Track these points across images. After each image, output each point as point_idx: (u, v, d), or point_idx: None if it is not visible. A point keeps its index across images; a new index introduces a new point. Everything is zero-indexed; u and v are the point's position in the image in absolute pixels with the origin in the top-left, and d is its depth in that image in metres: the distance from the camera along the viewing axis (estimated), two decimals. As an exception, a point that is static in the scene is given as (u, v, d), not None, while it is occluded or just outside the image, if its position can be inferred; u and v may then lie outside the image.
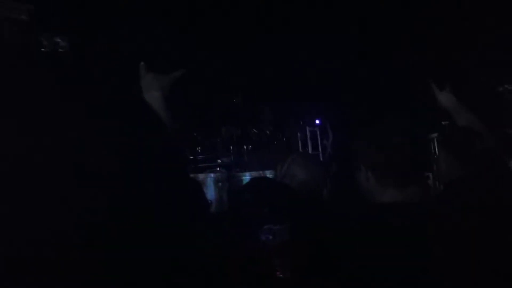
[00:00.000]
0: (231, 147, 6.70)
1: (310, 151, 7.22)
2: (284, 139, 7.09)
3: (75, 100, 1.05)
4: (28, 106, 0.99)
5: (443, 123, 4.92)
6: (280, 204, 1.51)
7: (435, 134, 4.17)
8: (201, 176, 5.62)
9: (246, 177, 5.86)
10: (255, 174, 5.76)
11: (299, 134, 7.42)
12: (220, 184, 5.53)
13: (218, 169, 6.33)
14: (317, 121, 7.59)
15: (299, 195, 1.73)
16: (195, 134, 6.65)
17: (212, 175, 5.77)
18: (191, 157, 6.20)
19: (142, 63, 1.60)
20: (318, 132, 7.57)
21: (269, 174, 5.61)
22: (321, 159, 7.23)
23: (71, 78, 1.16)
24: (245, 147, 6.69)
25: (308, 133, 7.47)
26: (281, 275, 1.34)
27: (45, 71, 1.13)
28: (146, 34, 5.67)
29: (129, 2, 5.25)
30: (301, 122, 7.46)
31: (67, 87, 1.08)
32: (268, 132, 6.98)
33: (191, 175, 4.46)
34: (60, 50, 5.27)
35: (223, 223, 1.53)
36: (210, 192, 5.32)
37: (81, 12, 4.87)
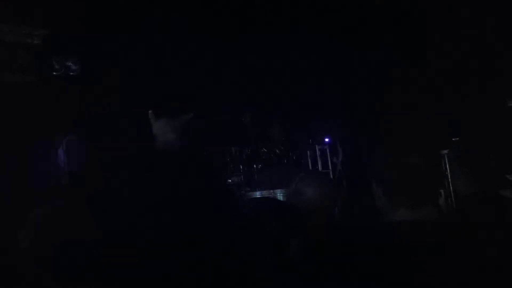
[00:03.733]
0: (241, 167, 6.70)
1: (320, 170, 7.19)
2: (294, 157, 7.08)
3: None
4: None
5: (453, 139, 4.90)
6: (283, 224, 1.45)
7: (446, 151, 4.16)
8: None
9: (257, 196, 5.85)
10: (265, 193, 5.75)
11: (308, 152, 7.40)
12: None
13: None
14: (327, 139, 7.57)
15: (303, 215, 1.70)
16: (204, 153, 6.66)
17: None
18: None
19: (150, 111, 1.65)
20: (327, 151, 7.56)
21: (279, 193, 5.59)
22: (331, 177, 7.20)
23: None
24: (255, 166, 6.69)
25: (317, 152, 7.46)
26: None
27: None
28: (155, 58, 5.75)
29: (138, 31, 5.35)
30: (310, 140, 7.45)
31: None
32: (277, 151, 6.98)
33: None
34: (71, 73, 5.35)
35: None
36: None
37: (92, 36, 4.96)
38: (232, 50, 6.19)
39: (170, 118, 1.63)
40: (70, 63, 4.67)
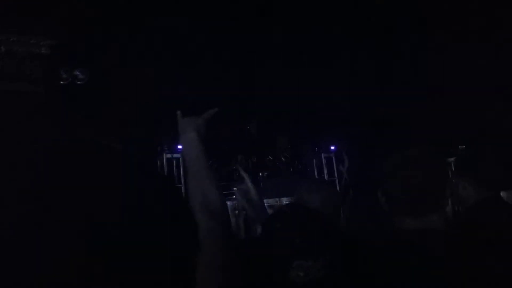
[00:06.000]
0: (247, 175, 6.69)
1: (326, 178, 7.19)
2: (300, 166, 7.08)
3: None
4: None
5: (459, 147, 4.89)
6: (315, 235, 1.30)
7: (452, 159, 4.14)
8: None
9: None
10: (271, 201, 5.75)
11: (314, 161, 7.40)
12: (236, 212, 5.54)
13: (234, 197, 6.32)
14: (333, 148, 7.57)
15: (334, 224, 1.59)
16: (210, 162, 6.68)
17: (228, 203, 5.77)
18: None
19: (178, 111, 1.66)
20: (333, 159, 7.55)
21: (285, 201, 5.59)
22: (337, 185, 7.20)
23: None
24: (261, 174, 6.70)
25: (323, 160, 7.46)
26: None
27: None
28: (161, 65, 5.78)
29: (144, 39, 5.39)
30: (316, 149, 7.46)
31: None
32: (283, 159, 6.99)
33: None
34: (79, 82, 5.38)
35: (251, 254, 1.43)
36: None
37: (99, 46, 5.00)
38: (238, 57, 6.21)
39: (191, 116, 1.63)
40: (77, 73, 4.71)
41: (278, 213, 1.49)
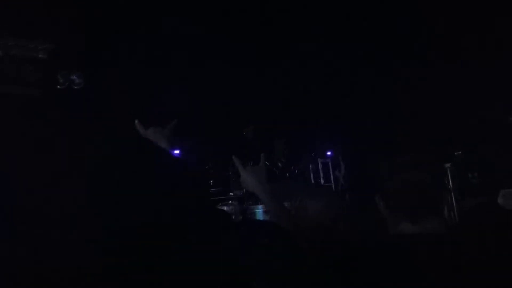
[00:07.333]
0: (243, 180, 6.68)
1: (322, 183, 7.20)
2: (296, 171, 7.08)
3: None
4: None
5: (455, 153, 4.91)
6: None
7: (448, 164, 4.16)
8: (213, 209, 5.62)
9: (259, 210, 5.84)
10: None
11: (311, 166, 7.41)
12: (233, 217, 5.53)
13: (231, 202, 6.32)
14: (329, 153, 7.59)
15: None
16: (207, 167, 6.68)
17: (224, 208, 5.77)
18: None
19: (136, 121, 1.61)
20: (330, 164, 7.56)
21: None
22: (334, 190, 7.20)
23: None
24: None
25: (320, 165, 7.46)
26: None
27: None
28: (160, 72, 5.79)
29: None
30: (312, 154, 7.46)
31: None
32: (280, 164, 6.98)
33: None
34: (75, 87, 5.38)
35: None
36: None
37: (96, 50, 5.01)
38: (235, 63, 6.22)
39: (158, 127, 1.60)
40: (74, 77, 4.72)
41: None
